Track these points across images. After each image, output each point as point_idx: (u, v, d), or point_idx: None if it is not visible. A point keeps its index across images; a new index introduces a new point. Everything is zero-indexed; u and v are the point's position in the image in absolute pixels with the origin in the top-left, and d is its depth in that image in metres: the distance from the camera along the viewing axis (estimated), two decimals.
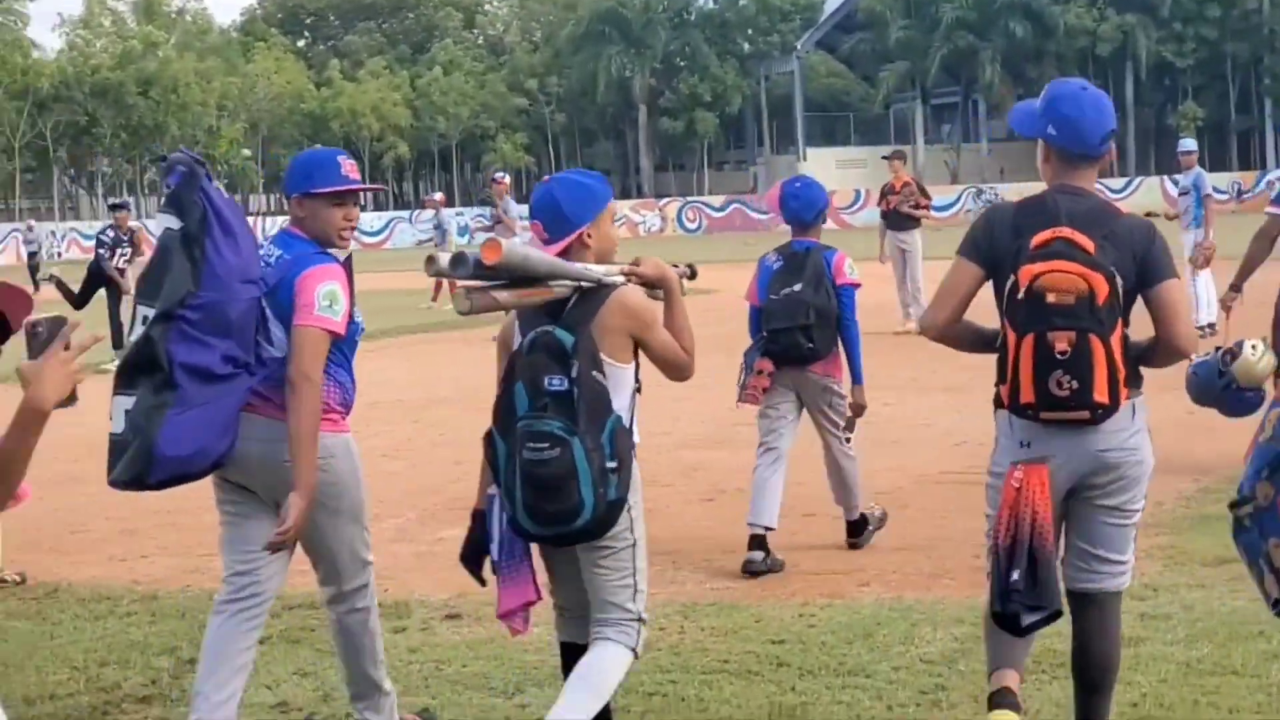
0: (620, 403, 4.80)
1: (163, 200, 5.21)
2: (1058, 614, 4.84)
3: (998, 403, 4.92)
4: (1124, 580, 5.05)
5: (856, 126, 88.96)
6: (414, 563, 8.64)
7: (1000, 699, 4.91)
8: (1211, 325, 18.19)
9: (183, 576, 8.04)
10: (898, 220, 20.64)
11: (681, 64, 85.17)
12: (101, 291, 19.98)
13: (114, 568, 8.40)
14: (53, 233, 65.53)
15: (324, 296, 5.05)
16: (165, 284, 4.92)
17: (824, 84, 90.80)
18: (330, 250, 5.21)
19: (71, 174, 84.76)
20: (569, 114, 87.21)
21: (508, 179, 24.05)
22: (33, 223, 48.15)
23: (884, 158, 21.97)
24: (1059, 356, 4.68)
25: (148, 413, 4.88)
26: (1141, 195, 72.85)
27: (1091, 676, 5.04)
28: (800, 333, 7.96)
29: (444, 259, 4.70)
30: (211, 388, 4.92)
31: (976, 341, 5.08)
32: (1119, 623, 5.09)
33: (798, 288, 7.98)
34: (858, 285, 8.18)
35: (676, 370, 4.96)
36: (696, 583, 7.78)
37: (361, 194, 5.50)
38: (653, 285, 4.96)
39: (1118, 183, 76.84)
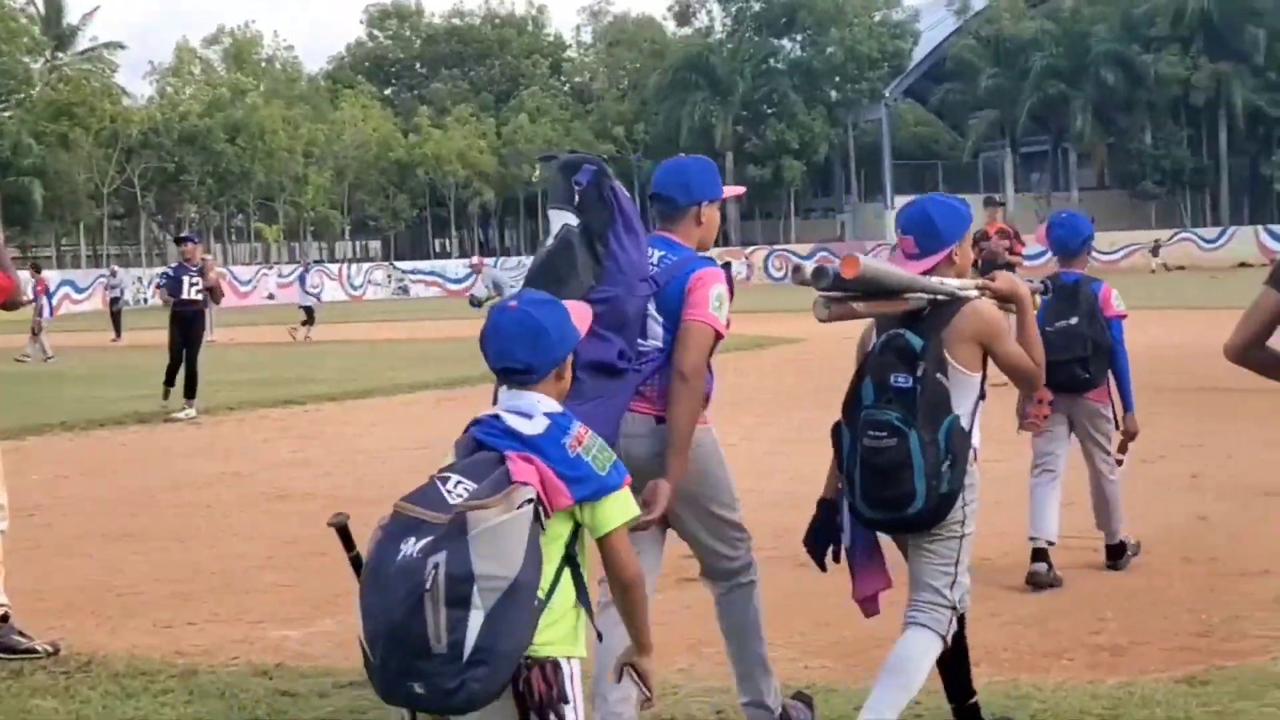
0: (963, 407, 5.12)
1: (554, 195, 5.24)
2: None
3: None
4: None
5: (945, 175, 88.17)
6: None
7: None
8: None
9: (230, 647, 7.39)
10: (988, 268, 19.97)
11: (769, 111, 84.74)
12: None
13: (158, 636, 7.72)
14: (139, 279, 65.81)
15: (715, 298, 5.26)
16: (569, 280, 4.97)
17: (912, 132, 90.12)
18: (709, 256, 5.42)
19: (159, 220, 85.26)
20: (655, 161, 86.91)
21: None
22: (116, 268, 48.11)
23: (986, 204, 21.26)
24: None
25: None
26: (1235, 245, 71.74)
27: None
28: (1078, 364, 8.32)
29: (809, 268, 5.09)
30: (609, 383, 5.02)
31: (1274, 366, 5.07)
32: None
33: (1074, 320, 8.35)
34: (1125, 316, 8.54)
35: (1026, 379, 5.32)
36: (788, 660, 7.09)
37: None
38: (1005, 299, 5.29)
39: (1211, 232, 75.71)
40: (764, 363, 25.32)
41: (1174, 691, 6.26)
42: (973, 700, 5.60)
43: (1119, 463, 8.62)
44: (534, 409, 3.86)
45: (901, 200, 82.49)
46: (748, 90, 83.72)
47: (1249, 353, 5.05)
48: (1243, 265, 64.27)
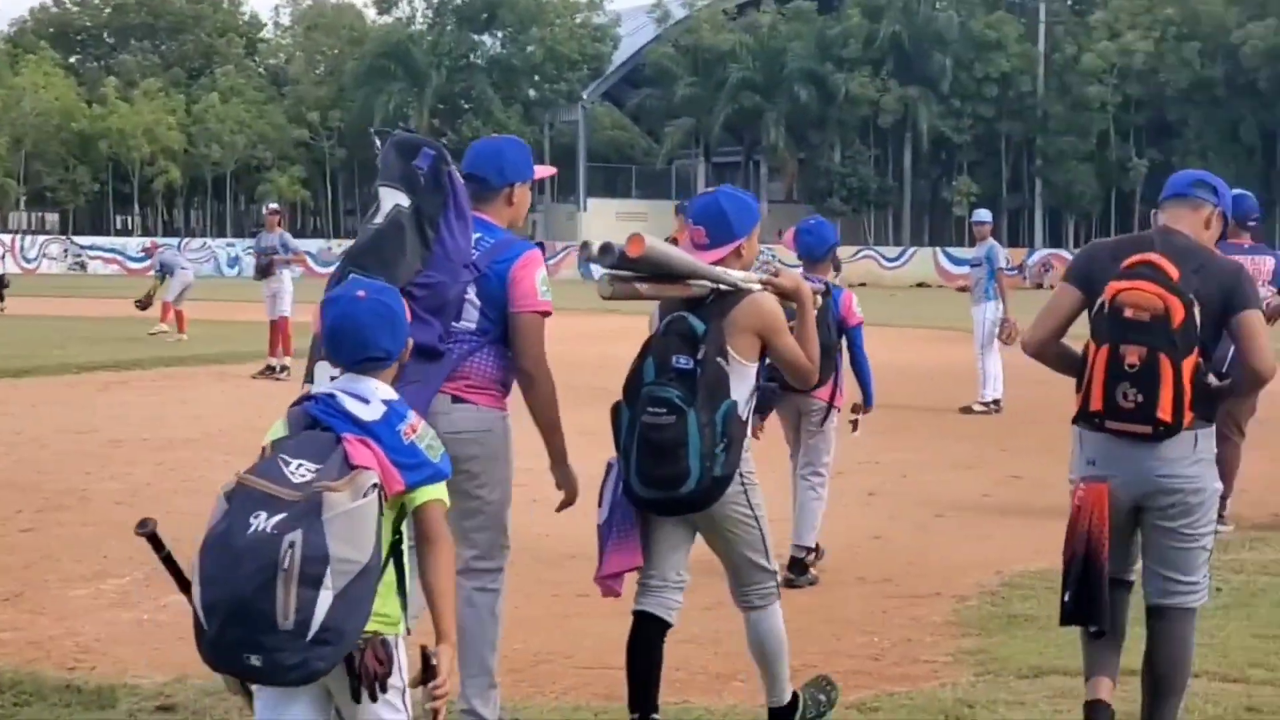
0: (740, 394, 5.31)
1: (387, 173, 5.26)
2: (1103, 633, 5.33)
3: (1075, 418, 5.32)
4: (1195, 599, 5.38)
5: (639, 180, 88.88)
6: (132, 633, 7.59)
7: (1093, 714, 5.28)
8: (997, 401, 17.79)
9: None
10: None
11: (466, 106, 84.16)
12: None
13: None
14: None
15: (541, 282, 5.42)
16: (397, 263, 5.04)
17: (608, 135, 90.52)
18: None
19: None
20: (349, 149, 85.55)
21: (280, 210, 22.65)
22: None
23: (677, 210, 21.18)
24: (1128, 369, 5.06)
25: None
26: (915, 266, 73.92)
27: (1156, 684, 5.37)
28: None
29: (595, 245, 5.27)
30: (428, 366, 5.09)
31: (1067, 363, 5.42)
32: (1189, 637, 5.42)
33: None
34: (862, 322, 9.01)
35: (799, 374, 5.52)
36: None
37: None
38: (787, 296, 5.51)
39: (893, 251, 77.95)
40: None
41: (843, 718, 6.17)
42: (655, 717, 5.60)
43: (854, 426, 9.18)
44: (371, 394, 4.02)
45: (595, 203, 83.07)
46: (445, 84, 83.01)
47: (1048, 348, 5.43)
48: (920, 285, 66.22)
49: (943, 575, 8.95)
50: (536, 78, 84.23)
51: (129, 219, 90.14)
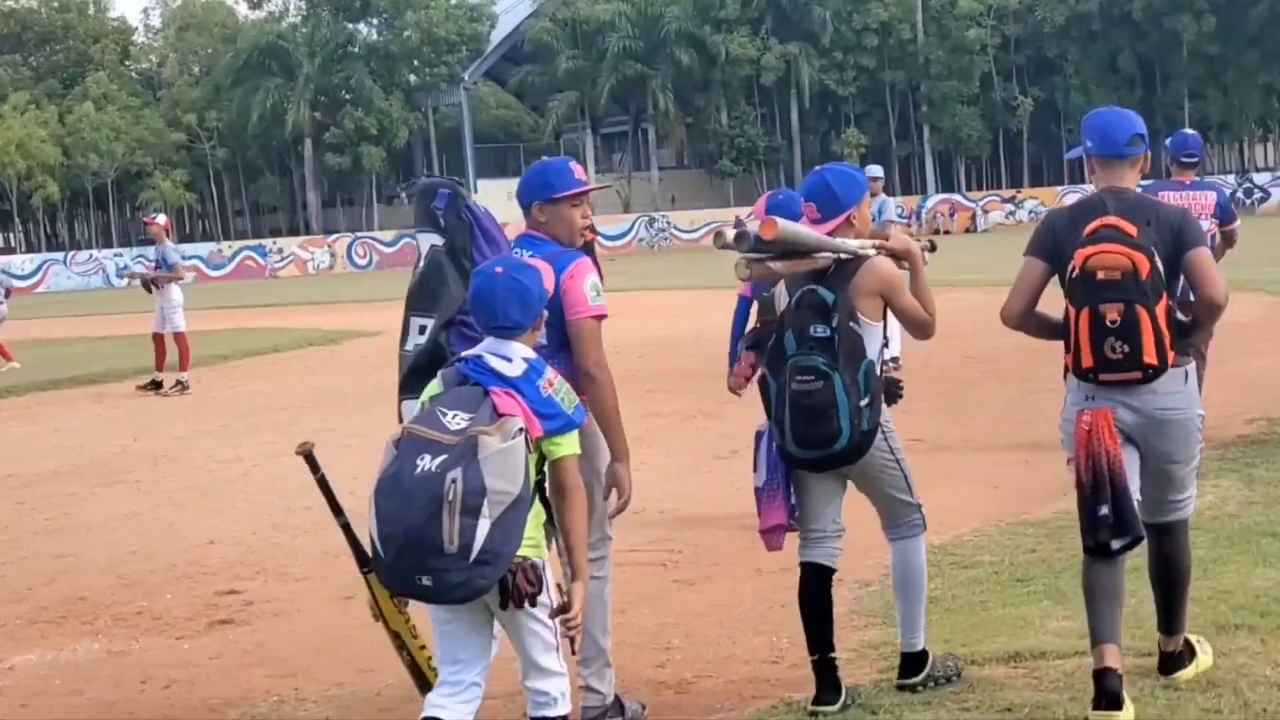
0: (872, 353, 5.80)
1: (422, 218, 5.76)
2: (1140, 538, 5.66)
3: (1067, 370, 5.78)
4: (1188, 510, 6.02)
5: (527, 157, 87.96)
6: None
7: (1104, 682, 5.49)
8: (896, 359, 17.43)
9: None
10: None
11: (346, 98, 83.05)
12: None
13: None
14: None
15: (590, 288, 5.69)
16: (442, 295, 5.53)
17: (493, 115, 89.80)
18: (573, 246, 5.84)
19: None
20: (231, 150, 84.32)
21: (162, 219, 21.52)
22: None
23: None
24: (1110, 325, 5.52)
25: None
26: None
27: (1169, 587, 6.04)
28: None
29: (730, 233, 5.71)
30: None
31: (1047, 328, 5.92)
32: (1187, 540, 6.10)
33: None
34: None
35: (921, 328, 5.97)
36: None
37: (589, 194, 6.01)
38: (899, 257, 5.93)
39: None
40: (338, 359, 24.33)
41: None
42: (833, 655, 5.99)
43: None
44: (514, 354, 4.68)
45: (484, 183, 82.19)
46: (323, 76, 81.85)
47: (1025, 319, 5.89)
48: None
49: (843, 557, 8.53)
50: (416, 63, 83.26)
51: (10, 236, 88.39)
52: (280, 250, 73.42)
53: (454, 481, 4.29)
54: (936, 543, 8.59)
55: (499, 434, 4.40)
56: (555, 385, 4.67)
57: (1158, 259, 5.56)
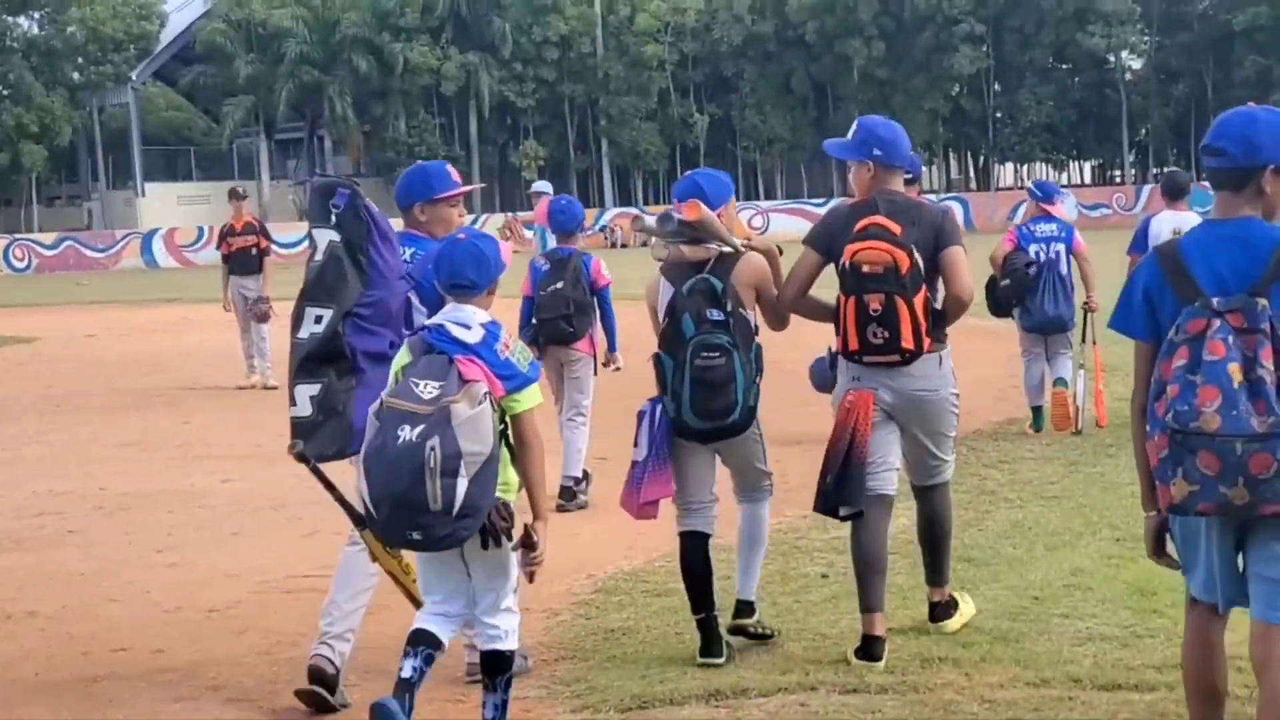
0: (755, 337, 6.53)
1: (318, 215, 6.07)
2: (860, 512, 6.42)
3: (833, 354, 6.61)
4: (947, 474, 6.85)
5: (199, 161, 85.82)
6: None
7: (871, 647, 6.28)
8: None
9: None
10: (242, 264, 18.65)
11: (4, 93, 79.45)
12: None
13: None
14: None
15: None
16: (340, 288, 5.92)
17: (164, 117, 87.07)
18: None
19: None
20: None
21: None
22: None
23: (230, 197, 19.81)
24: (872, 313, 6.24)
25: (339, 395, 5.91)
26: (486, 231, 73.37)
27: (934, 542, 6.88)
28: (563, 320, 10.22)
29: (650, 219, 6.61)
30: (384, 368, 5.61)
31: (821, 311, 6.60)
32: (948, 502, 6.90)
33: (560, 285, 10.24)
34: (610, 283, 10.55)
35: (780, 320, 6.77)
36: None
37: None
38: (764, 254, 6.62)
39: (466, 220, 77.32)
40: None
41: None
42: (716, 613, 6.56)
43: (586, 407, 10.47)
44: (471, 320, 5.25)
45: (152, 186, 79.76)
46: None
47: (799, 303, 6.59)
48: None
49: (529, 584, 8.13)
50: (80, 60, 79.97)
51: None
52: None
53: (433, 449, 4.93)
54: (626, 568, 8.29)
55: (467, 401, 5.02)
56: (511, 347, 5.28)
57: (917, 255, 6.25)
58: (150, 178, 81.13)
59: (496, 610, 5.35)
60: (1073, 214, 60.72)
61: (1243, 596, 4.48)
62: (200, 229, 63.95)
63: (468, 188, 6.68)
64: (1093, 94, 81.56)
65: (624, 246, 69.47)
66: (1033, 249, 12.20)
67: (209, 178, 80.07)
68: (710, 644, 6.46)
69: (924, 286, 6.28)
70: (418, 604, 5.59)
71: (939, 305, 6.45)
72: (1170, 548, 4.64)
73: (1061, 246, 12.32)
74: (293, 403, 5.94)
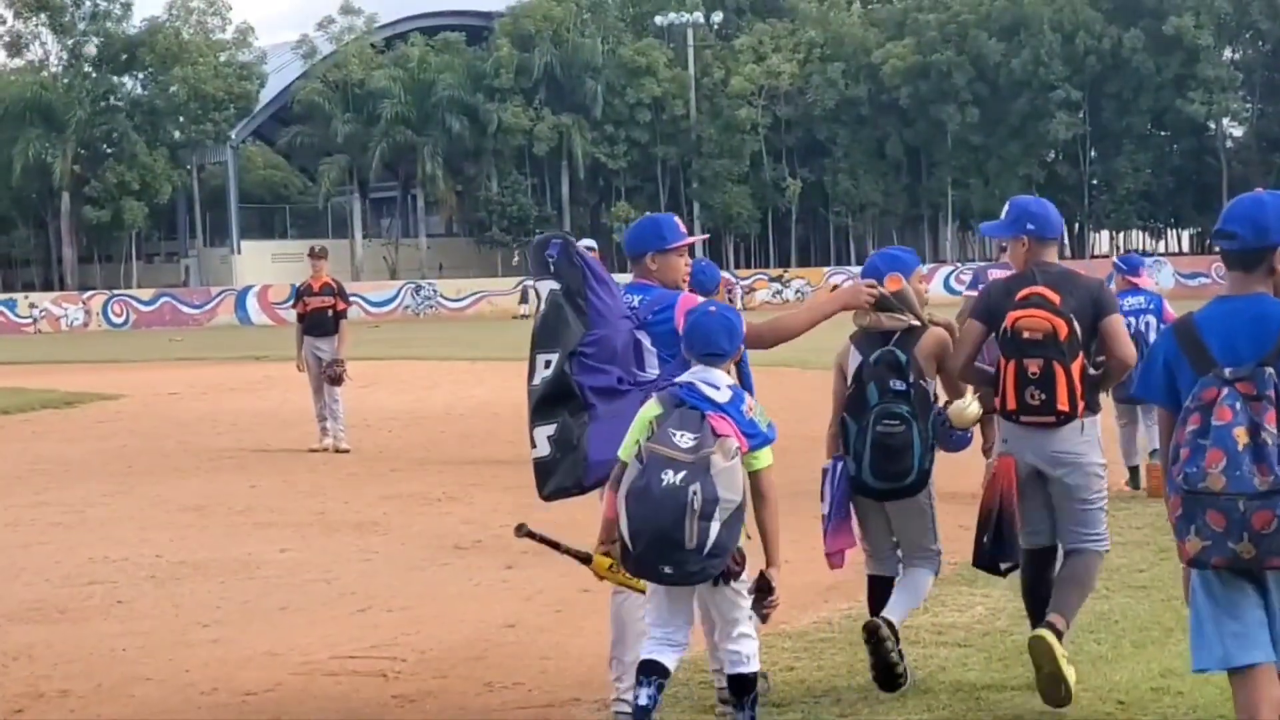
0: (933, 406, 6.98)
1: (538, 268, 6.51)
2: (1017, 564, 6.89)
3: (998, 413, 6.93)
4: (1100, 545, 7.04)
5: (294, 219, 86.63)
6: None
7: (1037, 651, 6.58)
8: None
9: None
10: (318, 325, 18.43)
11: (108, 151, 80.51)
12: None
13: None
14: None
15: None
16: (562, 332, 6.31)
17: (261, 175, 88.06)
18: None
19: None
20: None
21: None
22: None
23: (309, 255, 19.64)
24: (1031, 376, 6.65)
25: (574, 430, 6.29)
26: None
27: (1068, 585, 6.93)
28: None
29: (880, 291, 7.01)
30: (616, 403, 6.22)
31: (983, 378, 7.02)
32: (1093, 567, 7.07)
33: None
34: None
35: (955, 389, 7.08)
36: None
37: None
38: (949, 329, 7.09)
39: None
40: (71, 423, 22.77)
41: None
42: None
43: None
44: (720, 381, 5.85)
45: (247, 244, 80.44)
46: (86, 128, 79.19)
47: (966, 371, 6.99)
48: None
49: (764, 625, 7.75)
50: (181, 118, 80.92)
51: None
52: (33, 305, 70.50)
53: (695, 493, 5.51)
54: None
55: (722, 453, 5.63)
56: (754, 409, 5.90)
57: (1075, 323, 6.66)
58: (246, 235, 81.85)
59: (737, 635, 5.89)
60: (1169, 283, 60.29)
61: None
62: (294, 286, 63.67)
63: (696, 238, 7.23)
64: (1191, 161, 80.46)
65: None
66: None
67: (304, 235, 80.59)
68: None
69: (1081, 354, 6.71)
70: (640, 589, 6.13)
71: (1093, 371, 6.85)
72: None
73: (1152, 318, 12.50)
74: (533, 445, 6.43)
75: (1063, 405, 6.63)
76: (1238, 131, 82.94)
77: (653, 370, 6.51)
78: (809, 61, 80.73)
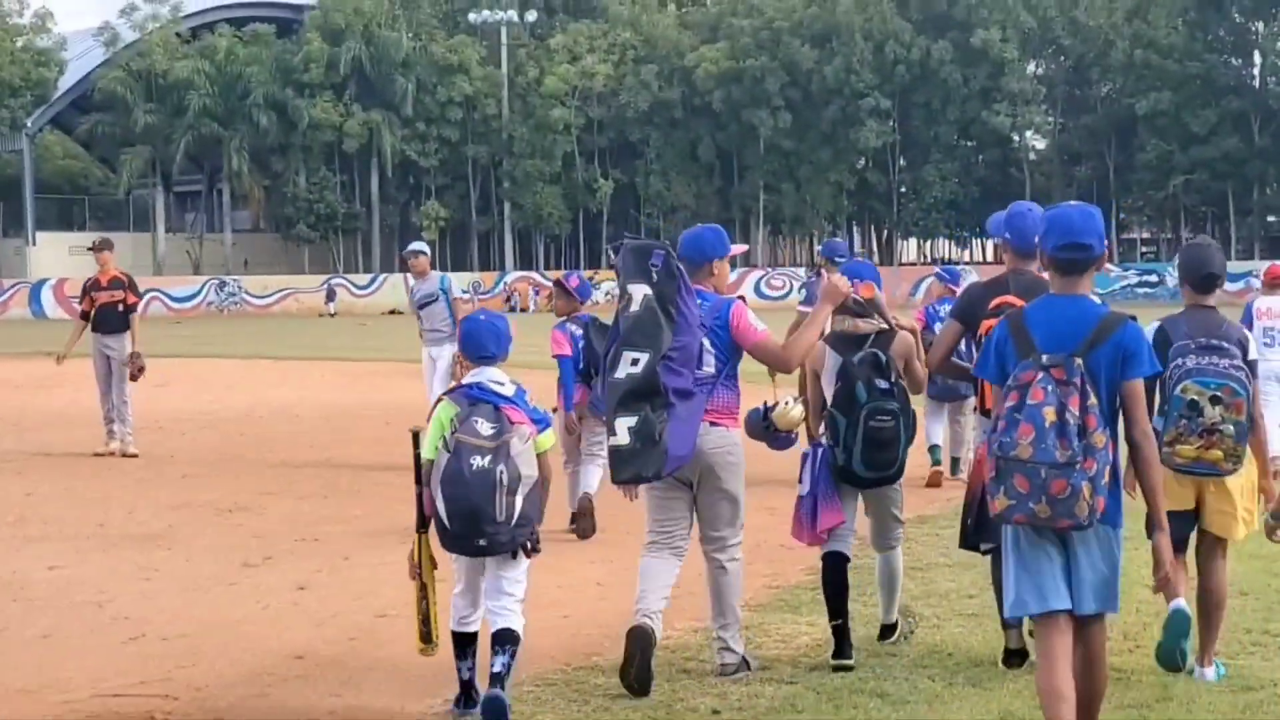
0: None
1: (637, 273, 7.10)
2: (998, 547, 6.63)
3: (979, 410, 7.53)
4: None
5: (93, 211, 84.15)
6: None
7: (1010, 659, 7.37)
8: None
9: None
10: (106, 321, 17.30)
11: None
12: None
13: None
14: None
15: (754, 319, 7.36)
16: (656, 335, 6.98)
17: (59, 165, 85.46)
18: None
19: None
20: None
21: None
22: None
23: (89, 249, 18.46)
24: None
25: (655, 425, 6.95)
26: (386, 293, 72.36)
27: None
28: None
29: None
30: (689, 403, 7.05)
31: (963, 372, 7.70)
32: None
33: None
34: None
35: (917, 386, 7.84)
36: None
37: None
38: (909, 330, 7.85)
39: (363, 279, 76.31)
40: None
41: None
42: (848, 620, 7.55)
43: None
44: (502, 378, 6.72)
45: (46, 236, 77.79)
46: None
47: (944, 365, 7.47)
48: (393, 312, 64.51)
49: (372, 710, 7.06)
50: None
51: None
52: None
53: (502, 472, 6.37)
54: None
55: (518, 438, 6.48)
56: (532, 399, 6.74)
57: None
58: (43, 227, 79.33)
59: (511, 601, 6.64)
60: None
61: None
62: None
63: (743, 247, 8.03)
64: (996, 172, 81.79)
65: (524, 310, 68.58)
66: (938, 328, 11.90)
67: (105, 228, 78.06)
68: (842, 647, 7.44)
69: None
70: (426, 635, 6.72)
71: None
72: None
73: None
74: (612, 433, 7.04)
75: None
76: (1040, 144, 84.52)
77: (708, 368, 7.18)
78: (623, 63, 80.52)
